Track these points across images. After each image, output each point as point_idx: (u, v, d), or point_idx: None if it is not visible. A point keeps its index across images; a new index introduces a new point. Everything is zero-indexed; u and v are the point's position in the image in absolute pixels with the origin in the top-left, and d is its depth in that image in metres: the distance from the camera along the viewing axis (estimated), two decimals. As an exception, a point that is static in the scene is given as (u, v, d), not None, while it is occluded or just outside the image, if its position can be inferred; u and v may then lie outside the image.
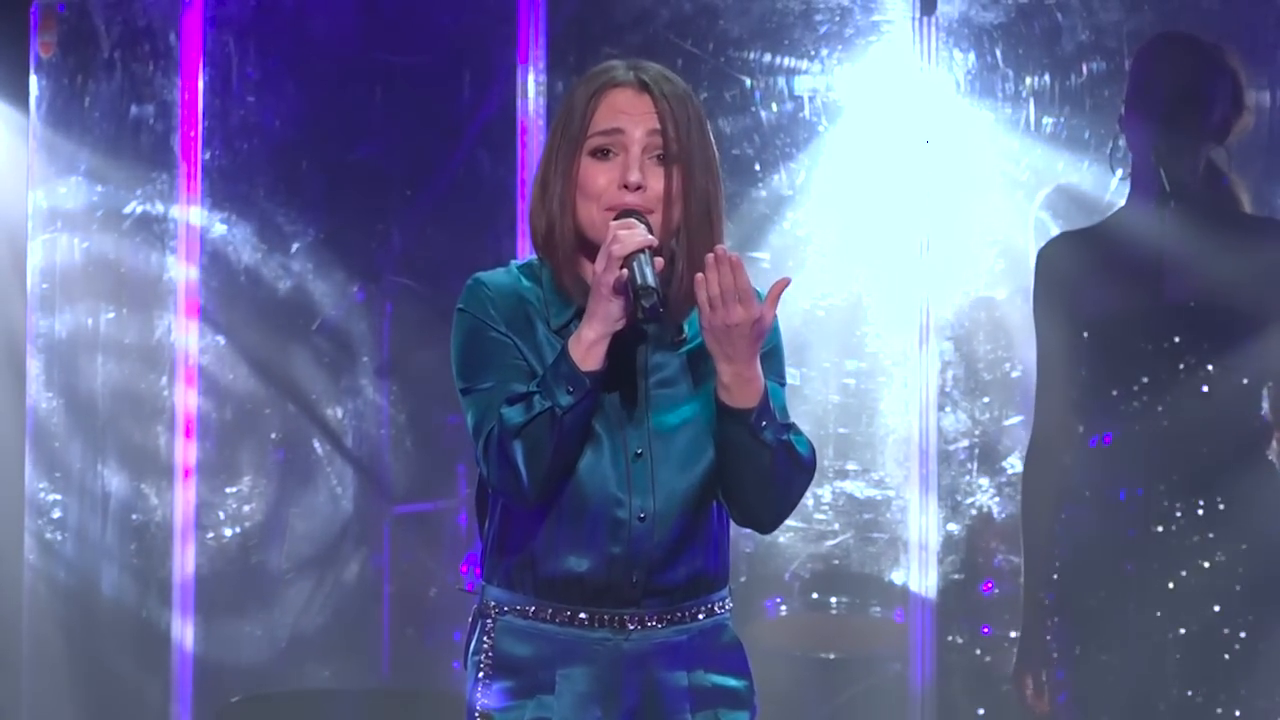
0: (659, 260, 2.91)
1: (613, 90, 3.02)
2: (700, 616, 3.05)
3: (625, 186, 2.97)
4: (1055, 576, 4.28)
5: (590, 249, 2.98)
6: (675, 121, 2.99)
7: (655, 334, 3.04)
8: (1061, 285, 4.26)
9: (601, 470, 2.97)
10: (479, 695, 3.01)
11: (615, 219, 2.95)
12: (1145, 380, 4.18)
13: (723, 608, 3.08)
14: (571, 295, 3.02)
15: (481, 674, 3.01)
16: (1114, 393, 4.22)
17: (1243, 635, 4.21)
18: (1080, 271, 4.24)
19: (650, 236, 2.91)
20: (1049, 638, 4.29)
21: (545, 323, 3.02)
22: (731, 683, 3.07)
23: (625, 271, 2.88)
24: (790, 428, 3.02)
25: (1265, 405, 4.22)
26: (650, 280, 2.86)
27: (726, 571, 3.09)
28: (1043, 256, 4.34)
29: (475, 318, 3.02)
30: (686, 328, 3.05)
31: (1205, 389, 4.13)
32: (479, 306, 3.02)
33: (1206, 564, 4.17)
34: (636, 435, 2.99)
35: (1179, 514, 4.16)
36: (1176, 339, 4.11)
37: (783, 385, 3.10)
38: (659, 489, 2.97)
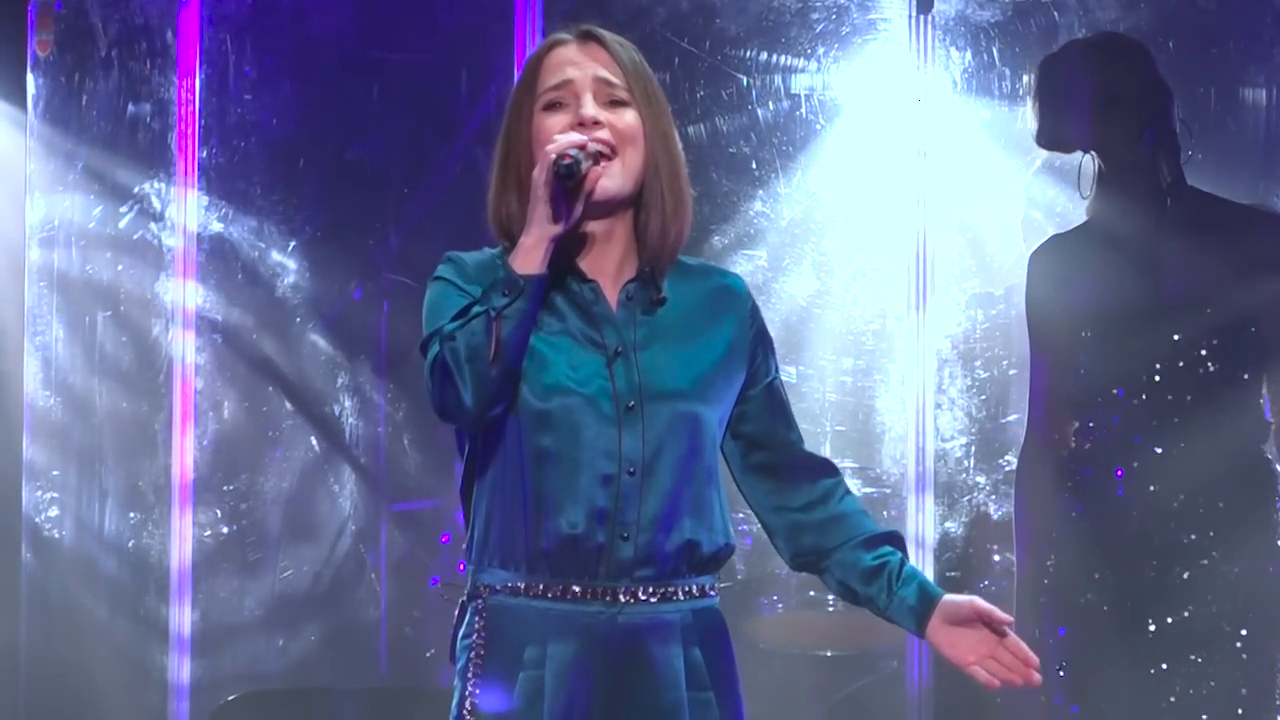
0: (596, 170, 2.91)
1: (556, 49, 3.04)
2: (694, 593, 3.02)
3: (581, 124, 2.96)
4: (1047, 581, 4.27)
5: None
6: (623, 65, 3.01)
7: (635, 295, 3.03)
8: (1055, 285, 4.26)
9: (592, 423, 2.95)
10: (470, 678, 2.97)
11: None
12: (1144, 378, 4.18)
13: (714, 590, 3.05)
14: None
15: (473, 655, 2.97)
16: (1115, 391, 4.22)
17: (1244, 633, 4.20)
18: (1073, 272, 4.25)
19: (583, 138, 2.91)
20: (1050, 641, 4.27)
21: None
22: (724, 666, 3.04)
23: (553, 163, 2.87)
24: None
25: (1266, 403, 4.22)
26: (572, 154, 2.86)
27: (719, 554, 3.04)
28: (1035, 259, 4.36)
29: (446, 281, 3.03)
30: (666, 288, 3.04)
31: (1205, 387, 4.13)
32: (451, 271, 3.04)
33: (1204, 562, 4.16)
34: (628, 391, 2.97)
35: (1176, 512, 4.16)
36: (1176, 336, 4.11)
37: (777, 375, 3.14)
38: (649, 445, 2.95)
